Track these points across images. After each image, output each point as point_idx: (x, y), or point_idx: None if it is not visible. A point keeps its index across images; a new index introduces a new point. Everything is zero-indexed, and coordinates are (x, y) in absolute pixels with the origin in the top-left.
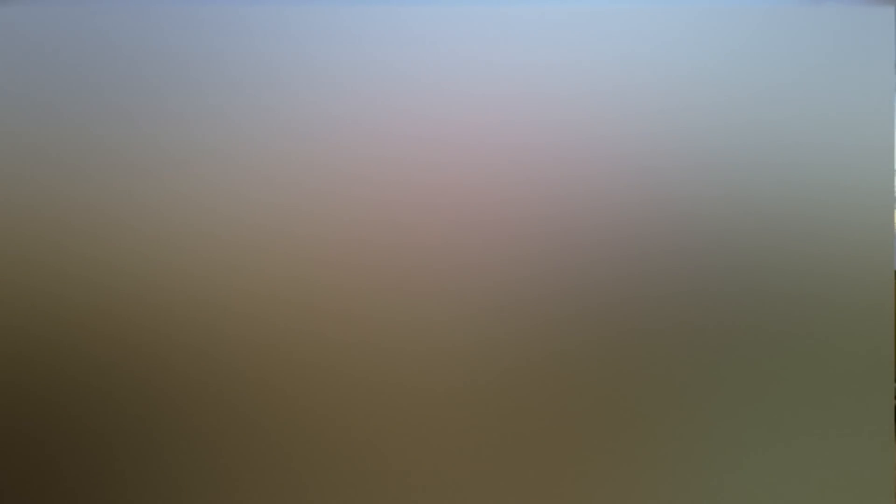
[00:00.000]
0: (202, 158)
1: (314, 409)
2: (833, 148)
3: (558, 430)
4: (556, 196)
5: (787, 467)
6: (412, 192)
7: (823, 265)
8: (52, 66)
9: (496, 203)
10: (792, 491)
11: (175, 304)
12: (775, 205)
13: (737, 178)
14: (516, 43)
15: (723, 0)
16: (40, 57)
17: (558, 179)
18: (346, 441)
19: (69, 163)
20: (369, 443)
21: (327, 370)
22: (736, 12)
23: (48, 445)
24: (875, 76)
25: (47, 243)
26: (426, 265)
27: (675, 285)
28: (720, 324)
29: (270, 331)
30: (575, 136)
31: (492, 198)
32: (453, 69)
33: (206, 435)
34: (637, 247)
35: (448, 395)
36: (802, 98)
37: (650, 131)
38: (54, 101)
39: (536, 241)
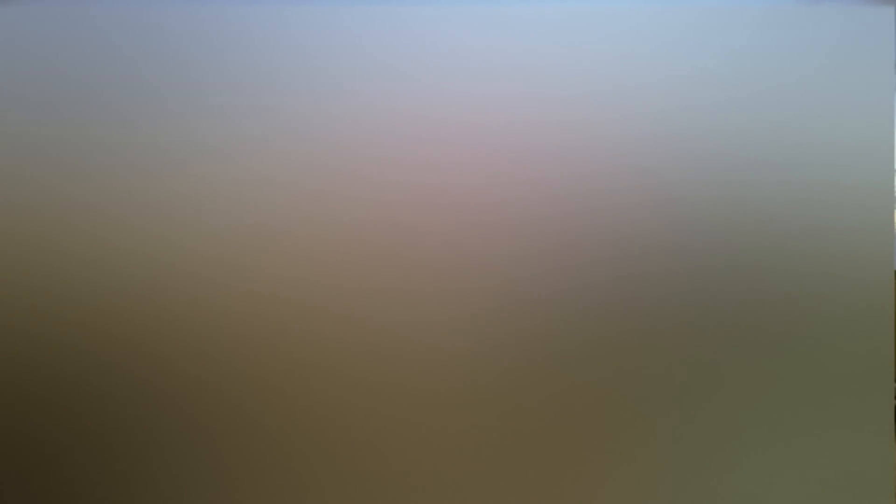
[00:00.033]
0: (202, 158)
1: (314, 409)
2: (833, 148)
3: (558, 430)
4: (556, 196)
5: (787, 467)
6: (412, 192)
7: (823, 265)
8: (52, 66)
9: (496, 203)
10: (792, 491)
11: (175, 304)
12: (775, 205)
13: (737, 178)
14: (516, 43)
15: (723, 0)
16: (40, 57)
17: (558, 179)
18: (346, 441)
19: (69, 163)
20: (369, 443)
21: (327, 370)
22: (736, 12)
23: (48, 445)
24: (875, 76)
25: (47, 243)
26: (426, 265)
27: (675, 285)
28: (720, 324)
29: (270, 331)
30: (575, 136)
31: (492, 198)
32: (453, 69)
33: (206, 435)
34: (637, 247)
35: (448, 395)
36: (802, 98)
37: (650, 131)
38: (54, 101)
39: (536, 241)
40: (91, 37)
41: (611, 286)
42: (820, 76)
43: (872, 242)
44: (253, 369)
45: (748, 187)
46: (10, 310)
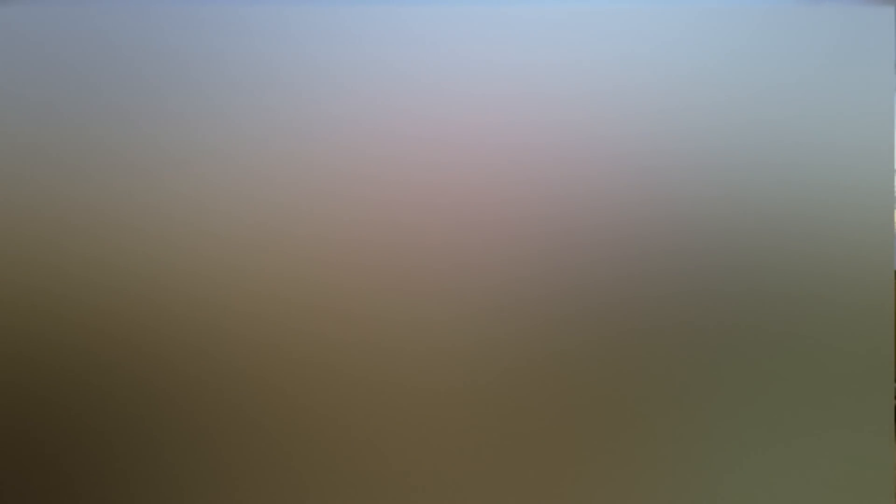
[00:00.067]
0: (202, 158)
1: (314, 409)
2: (833, 148)
3: (558, 429)
4: (556, 196)
5: (787, 467)
6: (412, 192)
7: (823, 265)
8: (51, 66)
9: (496, 203)
10: (792, 491)
11: (175, 304)
12: (775, 205)
13: (737, 178)
14: (516, 43)
15: (723, 0)
16: (40, 57)
17: (558, 179)
18: (346, 441)
19: (69, 163)
20: (369, 443)
21: (327, 370)
22: (736, 12)
23: (48, 445)
24: (875, 76)
25: (47, 243)
26: (426, 265)
27: (675, 285)
28: (720, 324)
29: (271, 330)
30: (575, 136)
31: (492, 198)
32: (453, 69)
33: (206, 434)
34: (637, 247)
35: (448, 395)
36: (802, 98)
37: (650, 131)
38: (54, 101)
39: (536, 241)
40: (91, 37)
41: (611, 286)
42: (820, 76)
43: (872, 242)
44: (253, 369)
45: (748, 187)
46: (10, 310)
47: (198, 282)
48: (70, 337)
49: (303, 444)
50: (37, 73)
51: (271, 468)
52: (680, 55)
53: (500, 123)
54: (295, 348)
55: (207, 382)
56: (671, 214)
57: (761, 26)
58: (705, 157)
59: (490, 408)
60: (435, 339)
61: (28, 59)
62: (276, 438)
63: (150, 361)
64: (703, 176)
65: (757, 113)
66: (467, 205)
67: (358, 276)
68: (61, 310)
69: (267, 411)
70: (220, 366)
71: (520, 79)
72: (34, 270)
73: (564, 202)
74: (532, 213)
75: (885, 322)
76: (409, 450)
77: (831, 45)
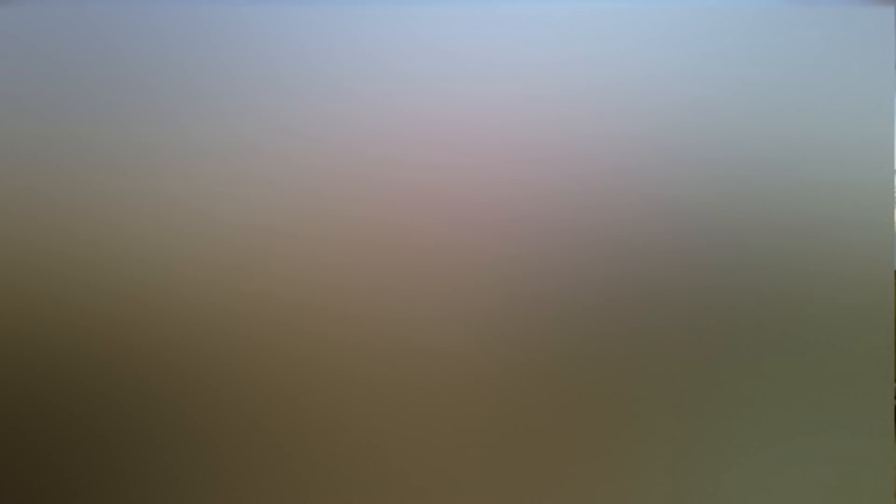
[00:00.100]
0: (202, 158)
1: (314, 409)
2: (833, 148)
3: (558, 429)
4: (556, 196)
5: (787, 467)
6: (412, 193)
7: (823, 265)
8: (51, 66)
9: (496, 203)
10: (791, 491)
11: (176, 305)
12: (776, 204)
13: (738, 178)
14: (516, 43)
15: (722, 0)
16: (40, 57)
17: (558, 179)
18: (346, 441)
19: (68, 163)
20: (369, 443)
21: (327, 370)
22: (736, 13)
23: (48, 445)
24: (875, 76)
25: (46, 244)
26: (426, 265)
27: (674, 285)
28: (720, 323)
29: (270, 331)
30: (575, 137)
31: (491, 198)
32: (453, 69)
33: (206, 435)
34: (637, 247)
35: (448, 395)
36: (803, 98)
37: (651, 131)
38: (54, 102)
39: (536, 241)
40: (90, 37)
41: (611, 286)
42: (820, 76)
43: (872, 242)
44: (253, 369)
45: (748, 187)
46: (9, 311)
47: (197, 282)
48: (70, 338)
49: (303, 444)
50: (36, 74)
51: (271, 468)
52: (680, 55)
53: (498, 124)
54: (295, 348)
55: (207, 383)
56: (671, 214)
57: (761, 26)
58: (706, 157)
59: (489, 408)
60: (434, 339)
61: (27, 60)
62: (276, 438)
63: (150, 362)
64: (703, 176)
65: (757, 113)
66: (466, 205)
67: (357, 277)
68: (60, 311)
69: (267, 411)
70: (219, 366)
71: (519, 79)
72: (33, 271)
73: (564, 202)
74: (531, 213)
75: (885, 322)
76: (409, 450)
77: (831, 45)
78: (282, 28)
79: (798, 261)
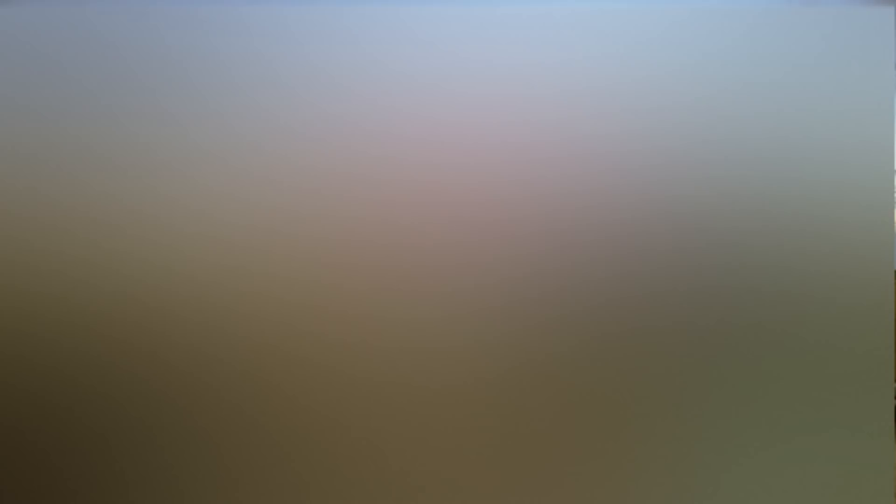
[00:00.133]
0: (202, 158)
1: (314, 409)
2: (833, 148)
3: (558, 429)
4: (556, 196)
5: (787, 467)
6: (412, 193)
7: (823, 265)
8: (51, 66)
9: (496, 203)
10: (792, 491)
11: (176, 305)
12: (776, 204)
13: (738, 178)
14: (516, 43)
15: (722, 0)
16: (40, 57)
17: (558, 179)
18: (346, 441)
19: (69, 163)
20: (369, 443)
21: (327, 370)
22: (736, 13)
23: (48, 445)
24: (875, 76)
25: (47, 244)
26: (426, 265)
27: (674, 285)
28: (720, 323)
29: (271, 331)
30: (575, 137)
31: (492, 198)
32: (453, 70)
33: (206, 435)
34: (638, 247)
35: (448, 395)
36: (803, 98)
37: (651, 131)
38: (54, 102)
39: (536, 241)
40: (91, 37)
41: (611, 286)
42: (820, 76)
43: (872, 242)
44: (253, 369)
45: (749, 187)
46: (9, 310)
47: (198, 282)
48: (70, 338)
49: (303, 444)
50: (36, 74)
51: (271, 468)
52: (680, 55)
53: (498, 124)
54: (295, 348)
55: (208, 382)
56: (672, 214)
57: (761, 26)
58: (706, 157)
59: (489, 408)
60: (434, 339)
61: (27, 60)
62: (276, 439)
63: (150, 362)
64: (703, 176)
65: (757, 113)
66: (467, 205)
67: (357, 277)
68: (60, 311)
69: (267, 411)
70: (220, 366)
71: (519, 79)
72: (33, 271)
73: (564, 202)
74: (531, 213)
75: (885, 322)
76: (409, 450)
77: (831, 45)
78: (282, 28)
79: (798, 261)
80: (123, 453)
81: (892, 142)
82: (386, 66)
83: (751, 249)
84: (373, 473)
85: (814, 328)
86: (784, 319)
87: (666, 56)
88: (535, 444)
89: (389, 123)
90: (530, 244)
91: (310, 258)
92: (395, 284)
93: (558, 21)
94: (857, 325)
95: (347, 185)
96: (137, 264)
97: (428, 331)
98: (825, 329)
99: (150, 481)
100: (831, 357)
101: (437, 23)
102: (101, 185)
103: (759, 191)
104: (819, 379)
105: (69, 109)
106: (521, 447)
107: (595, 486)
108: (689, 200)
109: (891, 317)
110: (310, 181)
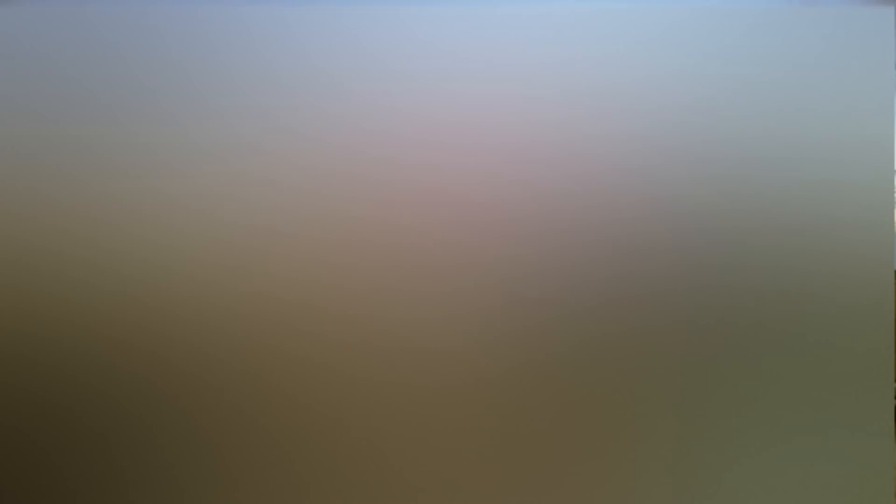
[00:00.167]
0: (202, 158)
1: (314, 409)
2: (833, 148)
3: (558, 429)
4: (556, 196)
5: (787, 467)
6: (412, 193)
7: (823, 265)
8: (51, 66)
9: (496, 203)
10: (792, 491)
11: (176, 305)
12: (776, 204)
13: (738, 177)
14: (516, 43)
15: (722, 0)
16: (40, 57)
17: (558, 179)
18: (346, 441)
19: (69, 163)
20: (369, 442)
21: (327, 370)
22: (736, 13)
23: (48, 445)
24: (875, 76)
25: (47, 244)
26: (426, 265)
27: (674, 285)
28: (720, 323)
29: (271, 331)
30: (575, 137)
31: (492, 198)
32: (453, 69)
33: (206, 435)
34: (637, 247)
35: (448, 395)
36: (803, 98)
37: (651, 131)
38: (54, 102)
39: (536, 240)
40: (91, 37)
41: (610, 286)
42: (820, 76)
43: (872, 242)
44: (253, 369)
45: (748, 187)
46: (9, 311)
47: (198, 282)
48: (70, 337)
49: (303, 444)
50: (36, 74)
51: (271, 468)
52: (680, 55)
53: (498, 124)
54: (295, 348)
55: (208, 382)
56: (672, 214)
57: (761, 26)
58: (706, 157)
59: (489, 408)
60: (434, 339)
61: (27, 60)
62: (276, 438)
63: (150, 362)
64: (704, 176)
65: (757, 113)
66: (467, 205)
67: (357, 277)
68: (60, 312)
69: (267, 411)
70: (220, 366)
71: (519, 79)
72: (34, 271)
73: (564, 202)
74: (531, 213)
75: (885, 322)
76: (409, 450)
77: (831, 45)
78: (282, 28)
79: (798, 261)
80: (123, 453)
81: (892, 142)
82: (386, 66)
83: (751, 249)
84: (373, 473)
85: (814, 328)
86: (784, 319)
87: (666, 56)
88: (535, 444)
89: (389, 123)
90: (530, 244)
91: (310, 258)
92: (395, 284)
93: (558, 21)
94: (857, 325)
95: (347, 185)
96: (138, 264)
97: (428, 331)
98: (825, 329)
99: (150, 481)
100: (831, 357)
101: (437, 23)
102: (101, 185)
103: (759, 191)
104: (819, 379)
105: (69, 109)
106: (521, 447)
107: (595, 486)
108: (689, 200)
109: (891, 317)
110: (310, 181)
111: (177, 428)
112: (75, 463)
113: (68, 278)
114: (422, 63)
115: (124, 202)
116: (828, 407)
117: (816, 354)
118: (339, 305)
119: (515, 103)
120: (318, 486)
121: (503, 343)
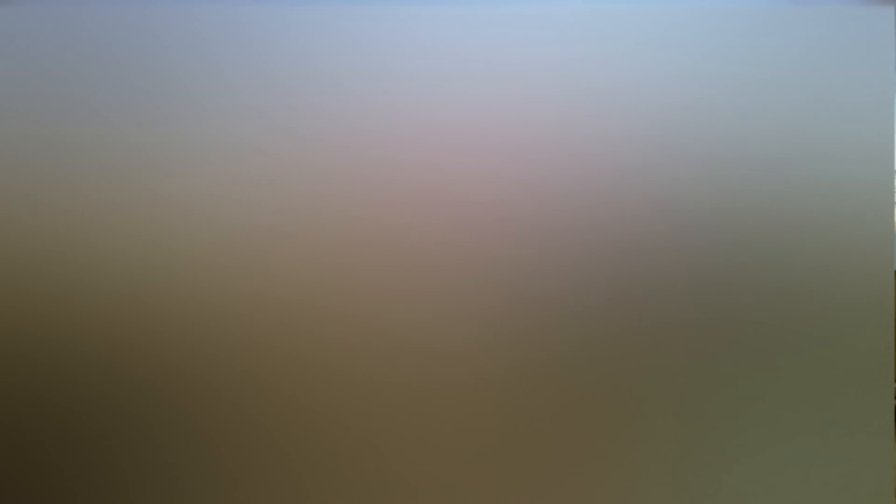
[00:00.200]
0: (202, 159)
1: (314, 409)
2: (834, 148)
3: (559, 429)
4: (556, 196)
5: (787, 467)
6: (412, 193)
7: (824, 265)
8: (51, 66)
9: (496, 203)
10: (792, 491)
11: (176, 305)
12: (776, 204)
13: (738, 177)
14: (516, 43)
15: (723, 0)
16: (39, 57)
17: (558, 179)
18: (346, 441)
19: (68, 164)
20: (369, 442)
21: (327, 370)
22: (736, 12)
23: (48, 445)
24: (875, 76)
25: (47, 245)
26: (426, 265)
27: (675, 284)
28: (720, 323)
29: (271, 331)
30: (575, 137)
31: (492, 198)
32: (453, 69)
33: (206, 435)
34: (637, 246)
35: (448, 395)
36: (803, 98)
37: (651, 131)
38: (54, 102)
39: (536, 240)
40: (91, 37)
41: (610, 285)
42: (820, 76)
43: (872, 242)
44: (253, 369)
45: (748, 187)
46: (9, 311)
47: (198, 282)
48: (70, 338)
49: (303, 444)
50: (36, 74)
51: (271, 468)
52: (680, 55)
53: (498, 124)
54: (295, 348)
55: (208, 382)
56: (672, 214)
57: (761, 26)
58: (706, 157)
59: (490, 408)
60: (434, 339)
61: (27, 60)
62: (276, 438)
63: (150, 362)
64: (704, 176)
65: (757, 113)
66: (467, 205)
67: (357, 277)
68: (59, 311)
69: (267, 411)
70: (220, 366)
71: (519, 79)
72: (34, 272)
73: (564, 202)
74: (531, 212)
75: (885, 322)
76: (409, 450)
77: (831, 45)
78: (282, 28)
79: (798, 261)
80: (123, 453)
81: (892, 142)
82: (386, 66)
83: (751, 249)
84: (373, 473)
85: (814, 328)
86: (784, 319)
87: (666, 56)
88: (536, 444)
89: (389, 123)
90: (530, 244)
91: (310, 258)
92: (395, 284)
93: (558, 21)
94: (858, 325)
95: (347, 185)
96: (137, 265)
97: (428, 331)
98: (825, 329)
99: (150, 481)
100: (831, 357)
101: (437, 23)
102: (100, 185)
103: (759, 190)
104: (819, 378)
105: (68, 110)
106: (522, 447)
107: (596, 486)
108: (689, 201)
109: (891, 316)
110: (310, 181)
111: (177, 428)
112: (75, 463)
113: (68, 279)
114: (422, 63)
115: (124, 202)
116: (828, 407)
117: (816, 354)
118: (339, 305)
119: (515, 103)
120: (318, 486)
121: (503, 343)
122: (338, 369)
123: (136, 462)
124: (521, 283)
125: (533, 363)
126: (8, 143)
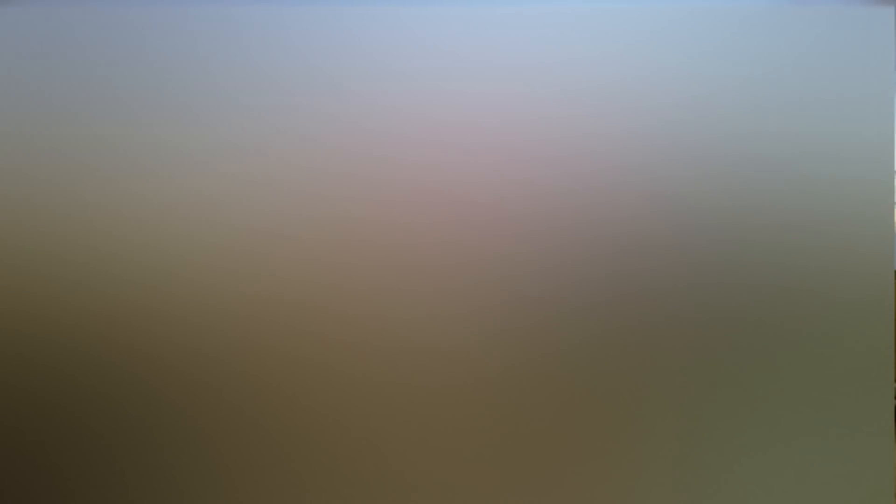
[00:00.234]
0: (201, 159)
1: (314, 409)
2: (834, 147)
3: (559, 428)
4: (557, 195)
5: (787, 467)
6: (412, 193)
7: (824, 265)
8: (51, 66)
9: (496, 203)
10: (792, 491)
11: (176, 306)
12: (776, 204)
13: (737, 177)
14: (516, 43)
15: (722, 0)
16: (40, 57)
17: (558, 178)
18: (346, 441)
19: (67, 164)
20: (369, 443)
21: (327, 370)
22: (736, 12)
23: (48, 445)
24: (875, 76)
25: (47, 245)
26: (426, 265)
27: (675, 284)
28: (720, 323)
29: (270, 331)
30: (575, 136)
31: (492, 197)
32: (453, 69)
33: (206, 435)
34: (637, 245)
35: (448, 395)
36: (803, 98)
37: (651, 130)
38: (54, 102)
39: (537, 239)
40: (91, 37)
41: (611, 285)
42: (820, 76)
43: (872, 242)
44: (253, 369)
45: (748, 187)
46: (9, 311)
47: (198, 282)
48: (70, 338)
49: (303, 444)
50: (36, 74)
51: (271, 468)
52: (680, 55)
53: (498, 124)
54: (295, 348)
55: (207, 383)
56: (672, 213)
57: (761, 26)
58: (706, 157)
59: (490, 407)
60: (434, 339)
61: (28, 59)
62: (276, 438)
63: (150, 362)
64: (703, 176)
65: (757, 113)
66: (467, 205)
67: (357, 277)
68: (60, 311)
69: (267, 411)
70: (219, 366)
71: (519, 79)
72: (34, 272)
73: (564, 201)
74: (532, 211)
75: (885, 321)
76: (409, 450)
77: (832, 45)
78: (281, 28)
79: (798, 260)
80: (123, 453)
81: (892, 142)
82: (386, 66)
83: (751, 249)
84: (373, 473)
85: (814, 328)
86: (784, 319)
87: (666, 55)
88: (536, 443)
89: (389, 123)
90: (531, 243)
91: (310, 258)
92: (395, 284)
93: (558, 21)
94: (857, 325)
95: (347, 185)
96: (137, 265)
97: (428, 331)
98: (825, 328)
99: (150, 481)
100: (831, 356)
101: (437, 23)
102: (100, 185)
103: (759, 190)
104: (819, 378)
105: (69, 110)
106: (522, 447)
107: (596, 486)
108: (689, 200)
109: (891, 316)
110: (310, 181)
111: (176, 428)
112: (75, 463)
113: (68, 280)
114: (422, 63)
115: (123, 203)
116: (828, 407)
117: (816, 354)
118: (339, 305)
119: (515, 103)
120: (318, 486)
121: (503, 343)
122: (338, 369)
123: (136, 462)
124: (520, 282)
125: (533, 363)
126: (8, 143)
